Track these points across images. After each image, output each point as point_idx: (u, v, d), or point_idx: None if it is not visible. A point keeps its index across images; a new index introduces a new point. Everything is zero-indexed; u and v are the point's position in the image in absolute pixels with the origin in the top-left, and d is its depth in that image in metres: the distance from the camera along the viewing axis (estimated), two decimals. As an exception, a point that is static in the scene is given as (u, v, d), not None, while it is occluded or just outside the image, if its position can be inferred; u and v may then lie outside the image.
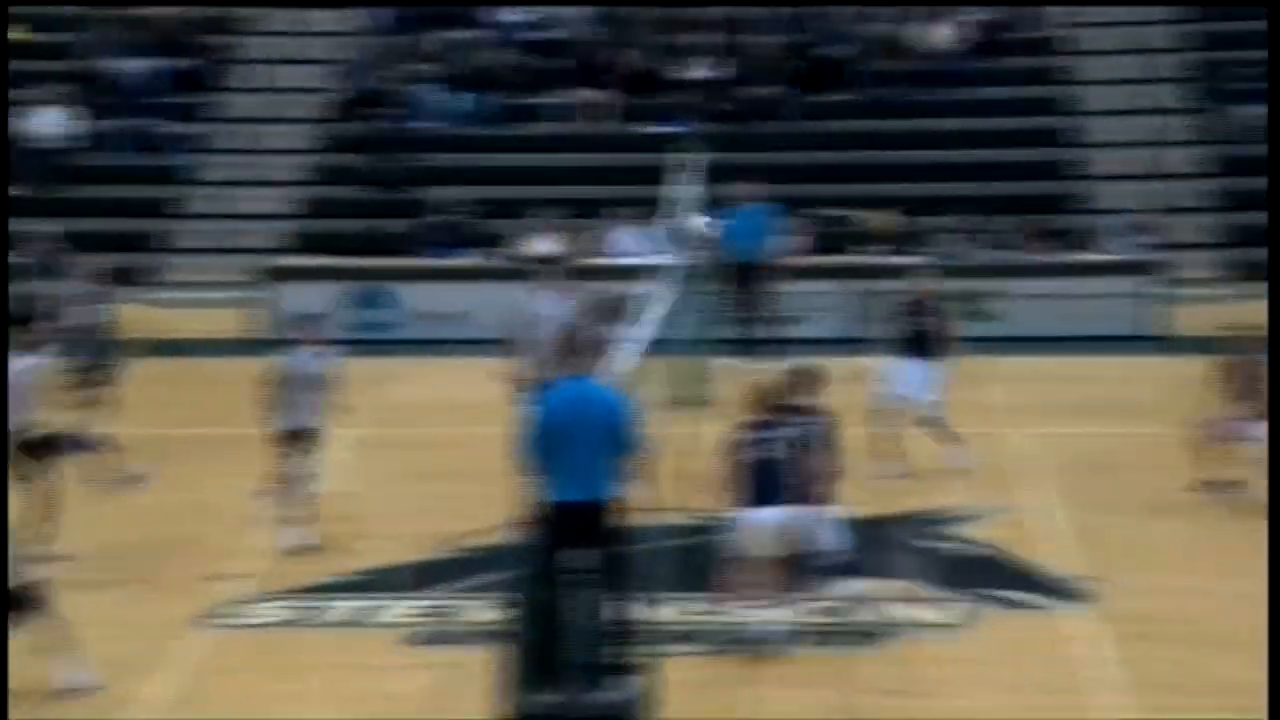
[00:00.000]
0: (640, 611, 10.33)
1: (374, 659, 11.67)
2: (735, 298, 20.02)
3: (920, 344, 15.48)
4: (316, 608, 12.70)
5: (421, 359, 20.61)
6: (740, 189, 19.96)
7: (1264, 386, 14.20)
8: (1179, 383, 19.93)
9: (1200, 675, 11.17)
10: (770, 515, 11.50)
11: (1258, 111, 25.18)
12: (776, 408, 11.75)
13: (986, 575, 13.29)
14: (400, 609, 12.61)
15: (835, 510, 11.85)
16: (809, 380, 12.06)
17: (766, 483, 11.51)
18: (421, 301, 22.19)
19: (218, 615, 12.48)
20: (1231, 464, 14.46)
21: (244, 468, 14.73)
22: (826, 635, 12.12)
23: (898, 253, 22.18)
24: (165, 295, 23.95)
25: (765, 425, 11.66)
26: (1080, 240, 22.65)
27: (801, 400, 11.85)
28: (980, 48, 26.78)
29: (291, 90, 27.78)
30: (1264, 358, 14.34)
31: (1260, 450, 13.94)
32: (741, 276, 19.84)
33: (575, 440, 10.04)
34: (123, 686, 10.97)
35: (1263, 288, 22.62)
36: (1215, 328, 15.72)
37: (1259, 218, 24.10)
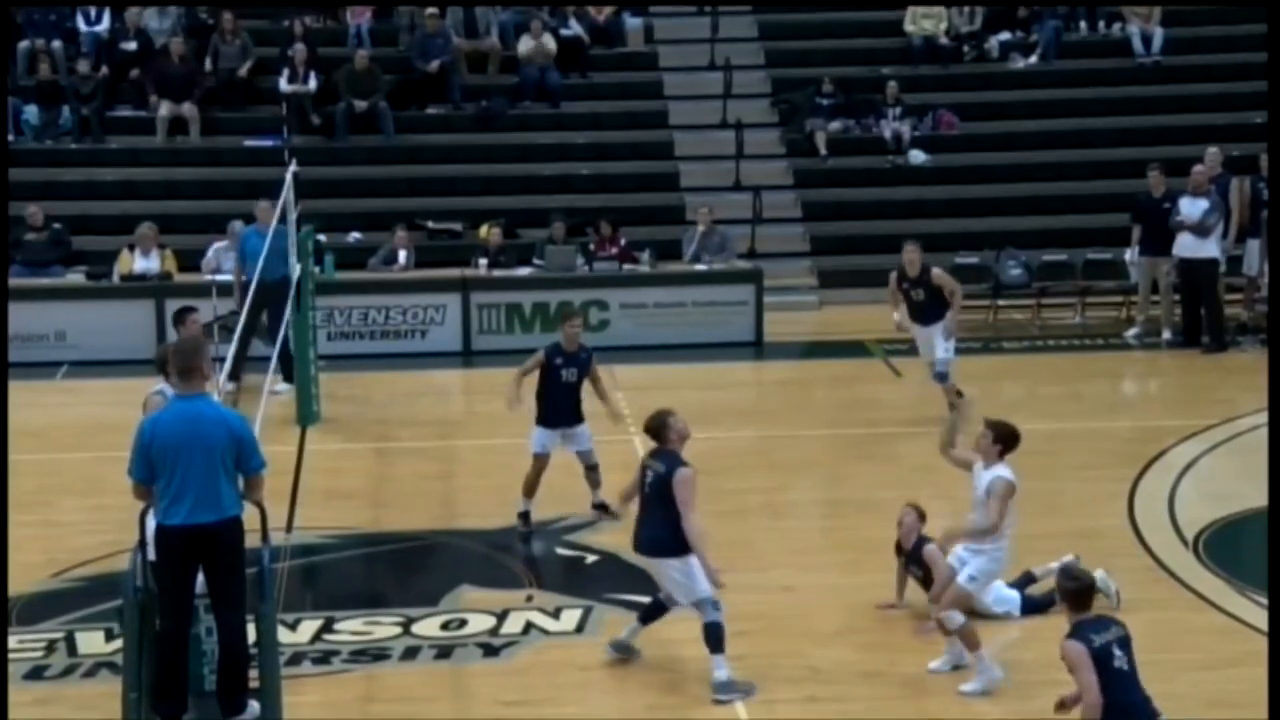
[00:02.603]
0: (259, 632, 10.26)
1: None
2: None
3: None
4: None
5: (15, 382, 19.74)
6: (259, 209, 19.21)
7: None
8: (771, 387, 20.90)
9: (795, 664, 11.81)
10: None
11: (833, 127, 26.30)
12: None
13: (606, 580, 13.48)
14: (10, 643, 12.10)
15: None
16: None
17: None
18: (14, 323, 21.34)
19: None
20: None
21: None
22: (446, 649, 12.28)
23: (502, 265, 22.42)
24: None
25: None
26: (675, 251, 23.17)
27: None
28: (565, 62, 27.18)
29: None
30: None
31: None
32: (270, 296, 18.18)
33: (188, 461, 9.88)
34: None
35: (844, 294, 23.70)
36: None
37: (839, 227, 25.21)
